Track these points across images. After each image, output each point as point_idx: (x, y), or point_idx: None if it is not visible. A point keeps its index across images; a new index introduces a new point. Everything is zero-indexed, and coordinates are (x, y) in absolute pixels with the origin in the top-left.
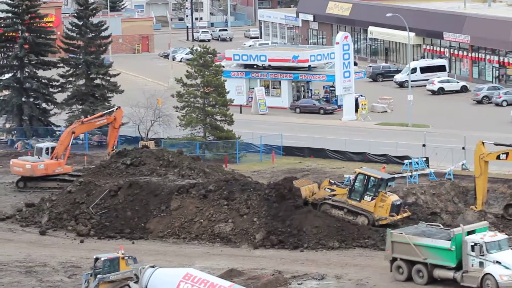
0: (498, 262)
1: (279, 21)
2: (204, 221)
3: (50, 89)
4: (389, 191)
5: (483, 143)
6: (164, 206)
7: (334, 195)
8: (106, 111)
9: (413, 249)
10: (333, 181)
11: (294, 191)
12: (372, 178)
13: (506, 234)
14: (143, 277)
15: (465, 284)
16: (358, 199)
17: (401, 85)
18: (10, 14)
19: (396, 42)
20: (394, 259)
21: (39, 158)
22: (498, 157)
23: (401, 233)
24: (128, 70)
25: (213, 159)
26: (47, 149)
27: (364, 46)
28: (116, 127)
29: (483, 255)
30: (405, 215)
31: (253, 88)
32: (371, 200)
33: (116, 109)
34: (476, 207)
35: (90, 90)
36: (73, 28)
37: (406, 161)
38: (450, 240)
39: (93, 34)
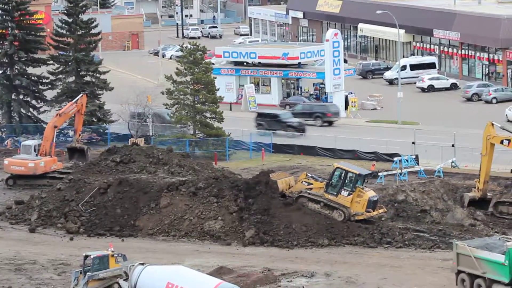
0: None
1: (269, 18)
2: (194, 218)
3: (40, 86)
4: (366, 187)
5: (492, 124)
6: (154, 203)
7: (311, 189)
8: (74, 100)
9: (474, 262)
10: (310, 175)
11: (271, 184)
12: (349, 173)
13: (495, 232)
14: (132, 274)
15: None
16: (335, 193)
17: (391, 82)
18: None
19: (386, 40)
20: (460, 272)
21: (31, 156)
22: (501, 142)
23: (465, 245)
24: (118, 68)
25: (203, 157)
26: (34, 146)
27: (354, 44)
28: (82, 113)
29: None
30: (381, 211)
31: (243, 86)
32: (348, 195)
33: (81, 96)
34: (478, 182)
35: (80, 88)
36: (63, 25)
37: (396, 159)
38: (504, 254)
39: (83, 31)
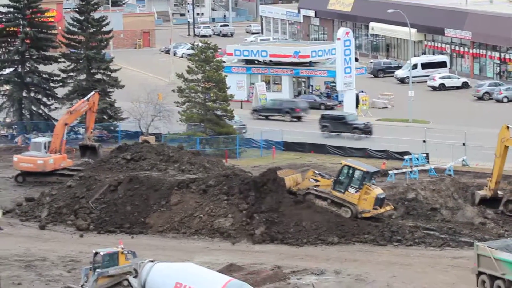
0: None
1: (281, 17)
2: (204, 216)
3: (51, 84)
4: (373, 184)
5: (507, 127)
6: (164, 201)
7: (318, 186)
8: (85, 98)
9: (493, 264)
10: (317, 172)
11: (278, 181)
12: (357, 170)
13: (505, 231)
14: (142, 271)
15: None
16: (342, 190)
17: (402, 81)
18: (11, 9)
19: (397, 38)
20: (480, 273)
21: (41, 153)
22: None
23: (485, 246)
24: (129, 65)
25: (214, 154)
26: (45, 144)
27: (365, 42)
28: (93, 111)
29: None
30: (388, 208)
31: (254, 84)
32: (355, 192)
33: (93, 94)
34: (490, 181)
35: (91, 85)
36: (75, 23)
37: (406, 157)
38: None
39: (94, 29)
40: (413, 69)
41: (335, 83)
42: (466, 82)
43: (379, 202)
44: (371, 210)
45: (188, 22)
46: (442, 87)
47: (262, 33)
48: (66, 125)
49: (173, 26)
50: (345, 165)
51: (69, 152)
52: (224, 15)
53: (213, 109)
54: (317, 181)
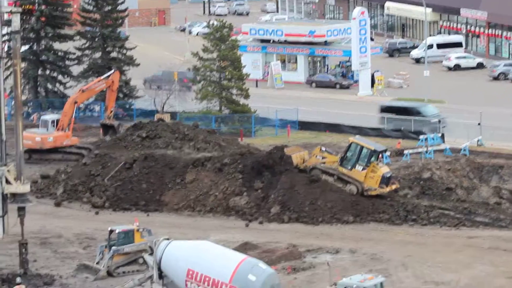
0: None
1: None
2: (219, 194)
3: (66, 62)
4: (380, 163)
5: None
6: (179, 179)
7: (324, 163)
8: (103, 76)
9: None
10: (324, 149)
11: (285, 159)
12: (365, 148)
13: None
14: (157, 249)
15: None
16: (349, 167)
17: (418, 61)
18: None
19: (412, 18)
20: None
21: (47, 130)
22: None
23: None
24: (144, 44)
25: (229, 133)
26: (53, 121)
27: (380, 22)
28: (113, 90)
29: None
30: (394, 187)
31: (269, 63)
32: (362, 170)
33: (113, 72)
34: None
35: (106, 63)
36: (90, 1)
37: (421, 137)
38: None
39: (109, 8)
40: (428, 49)
41: (350, 62)
42: (482, 63)
43: (385, 180)
44: (377, 188)
45: (204, 0)
46: (457, 67)
47: (277, 12)
48: (76, 103)
49: (188, 5)
50: (353, 142)
51: (76, 130)
52: None
53: (228, 88)
54: (324, 158)
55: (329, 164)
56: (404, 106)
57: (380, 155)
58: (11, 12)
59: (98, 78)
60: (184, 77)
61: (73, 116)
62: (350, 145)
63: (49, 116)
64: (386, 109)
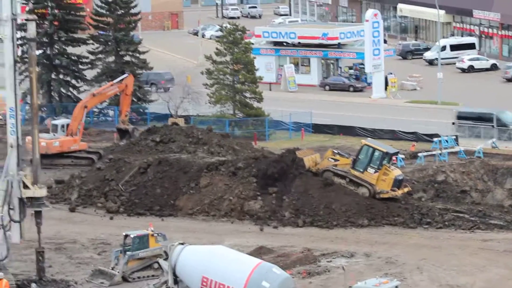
0: None
1: None
2: (234, 198)
3: (80, 66)
4: (393, 166)
5: None
6: (194, 183)
7: (336, 165)
8: (116, 80)
9: None
10: (336, 151)
11: (298, 162)
12: (377, 150)
13: None
14: (172, 254)
15: None
16: (361, 170)
17: (431, 62)
18: None
19: (426, 20)
20: None
21: (54, 135)
22: None
23: None
24: (157, 47)
25: (243, 137)
26: (62, 126)
27: (393, 24)
28: (128, 94)
29: None
30: (405, 190)
31: (282, 66)
32: (374, 173)
33: (126, 76)
34: None
35: (119, 67)
36: (103, 5)
37: (435, 139)
38: None
39: (122, 11)
40: (441, 50)
41: (363, 65)
42: (495, 64)
43: (397, 183)
44: (389, 191)
45: (216, 3)
46: (471, 69)
47: (290, 15)
48: (86, 107)
49: (201, 8)
50: (365, 144)
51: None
52: None
53: (242, 91)
54: (336, 160)
55: (341, 166)
56: (482, 113)
57: (395, 158)
58: (27, 20)
59: (110, 82)
60: (163, 79)
61: (83, 121)
62: (362, 148)
63: (59, 121)
64: (462, 116)
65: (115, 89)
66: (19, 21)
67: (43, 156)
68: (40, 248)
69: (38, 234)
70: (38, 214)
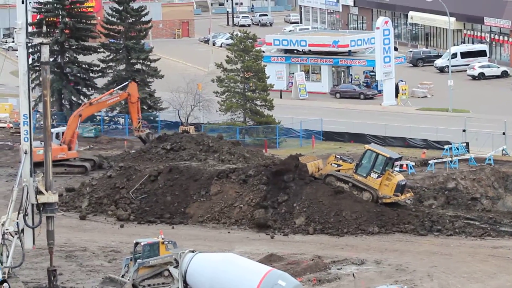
0: None
1: (319, 6)
2: (244, 206)
3: (91, 74)
4: (396, 171)
5: None
6: (204, 191)
7: (339, 170)
8: (117, 88)
9: None
10: (339, 156)
11: (301, 167)
12: (380, 156)
13: None
14: (183, 262)
15: None
16: (364, 175)
17: (442, 70)
18: (51, 0)
19: (436, 27)
20: None
21: (41, 143)
22: None
23: None
24: (168, 55)
25: (253, 144)
26: (57, 134)
27: (404, 31)
28: (133, 102)
29: None
30: (408, 195)
31: (293, 73)
32: (377, 178)
33: (129, 83)
34: None
35: (130, 75)
36: (114, 13)
37: (446, 146)
38: None
39: (133, 19)
40: (452, 58)
41: (374, 72)
42: (506, 71)
43: (400, 188)
44: (392, 196)
45: (227, 11)
46: (481, 76)
47: (301, 23)
48: (81, 116)
49: (212, 16)
50: (368, 149)
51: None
52: (264, 5)
53: (253, 99)
54: (339, 165)
55: (344, 171)
56: None
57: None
58: (41, 44)
59: (109, 91)
60: None
61: (77, 129)
62: (365, 153)
63: (55, 129)
64: None
65: (116, 98)
66: (30, 20)
67: (35, 164)
68: (52, 267)
69: (50, 255)
70: (49, 220)
